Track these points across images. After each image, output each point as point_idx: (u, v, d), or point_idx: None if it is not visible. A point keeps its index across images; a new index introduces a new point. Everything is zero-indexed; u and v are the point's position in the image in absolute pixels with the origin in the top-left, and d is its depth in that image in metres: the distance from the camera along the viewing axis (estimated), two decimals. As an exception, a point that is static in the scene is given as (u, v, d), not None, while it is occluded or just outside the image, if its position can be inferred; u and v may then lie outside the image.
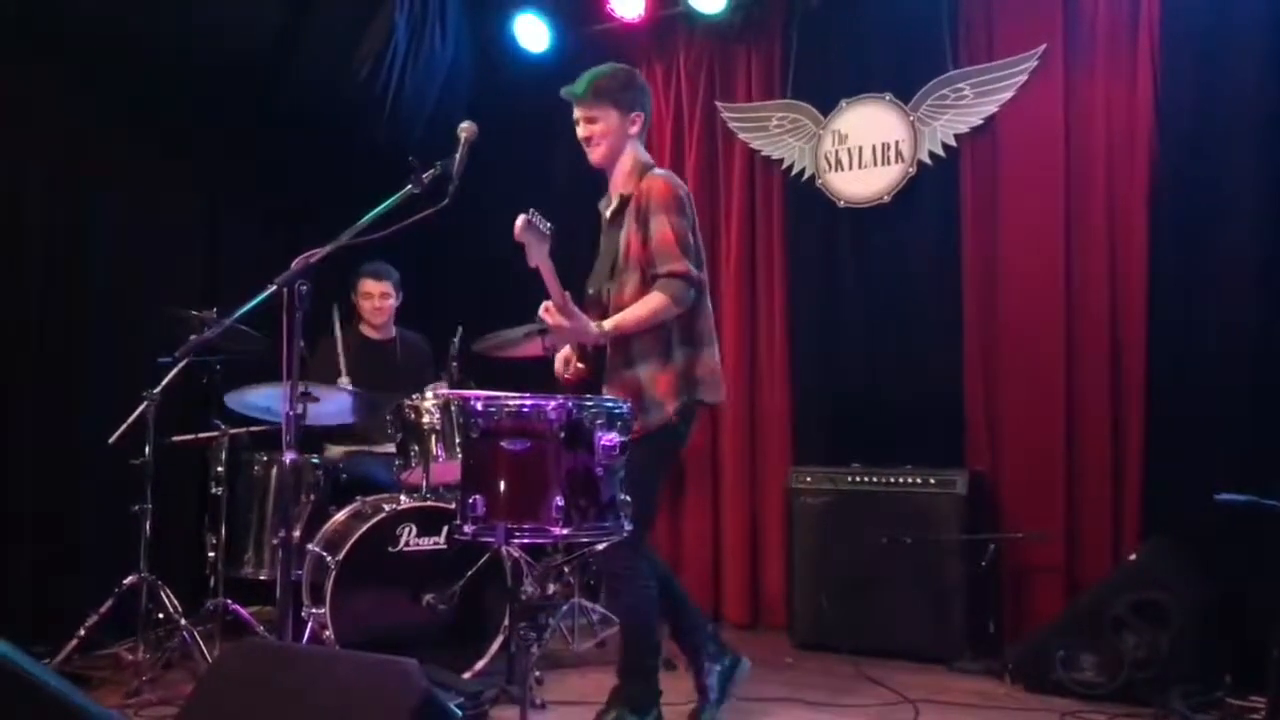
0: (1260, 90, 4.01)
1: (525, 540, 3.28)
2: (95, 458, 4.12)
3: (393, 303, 4.80)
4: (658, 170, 3.32)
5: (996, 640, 4.22)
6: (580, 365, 3.39)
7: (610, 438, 3.21)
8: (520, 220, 3.01)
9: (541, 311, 3.14)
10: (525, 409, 3.24)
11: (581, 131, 3.38)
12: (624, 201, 3.32)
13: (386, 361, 4.78)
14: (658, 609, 3.34)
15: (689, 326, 3.24)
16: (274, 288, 2.76)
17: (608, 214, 3.42)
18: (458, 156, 2.94)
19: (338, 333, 4.65)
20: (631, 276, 3.25)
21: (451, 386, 4.22)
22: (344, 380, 4.44)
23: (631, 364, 3.24)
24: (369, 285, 4.76)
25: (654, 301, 3.15)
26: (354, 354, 4.69)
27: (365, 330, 4.84)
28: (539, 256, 3.09)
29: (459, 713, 3.01)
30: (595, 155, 3.37)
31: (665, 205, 3.18)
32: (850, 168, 4.97)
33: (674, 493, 5.35)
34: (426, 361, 4.79)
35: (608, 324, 3.18)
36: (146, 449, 3.86)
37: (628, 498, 3.32)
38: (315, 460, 4.33)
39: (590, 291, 3.38)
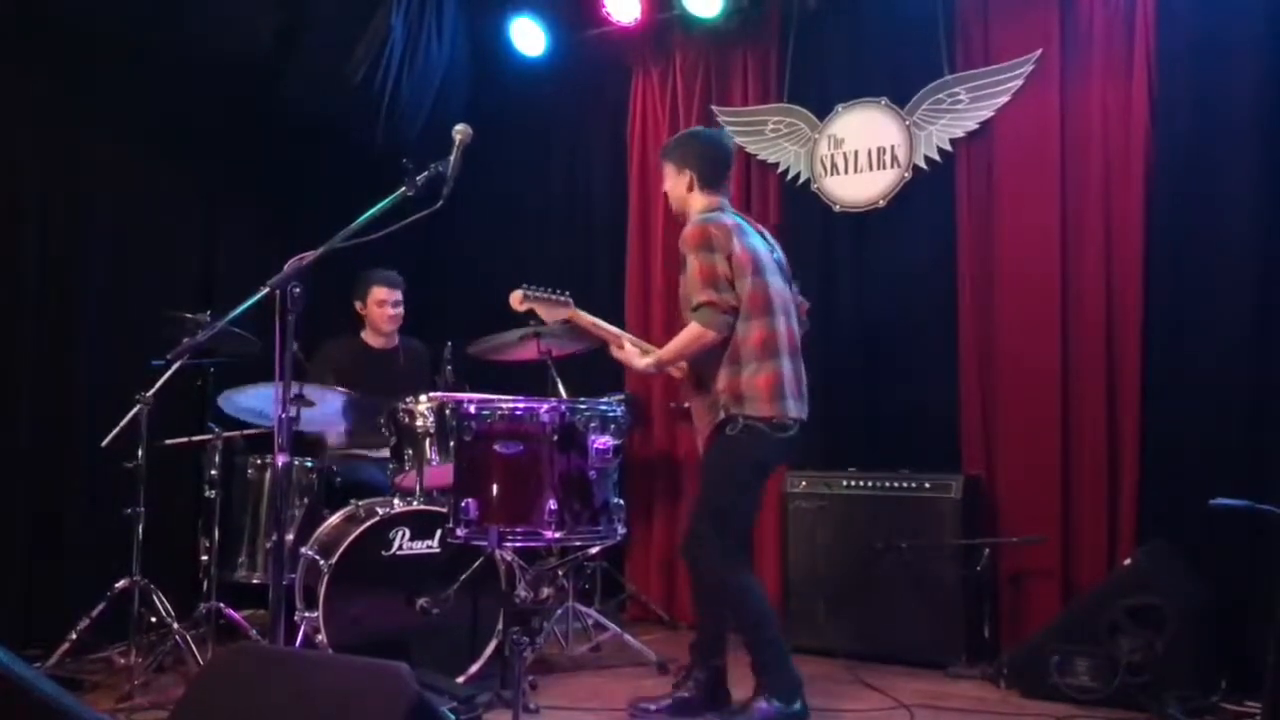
0: (1256, 94, 4.01)
1: (518, 544, 3.29)
2: (88, 461, 4.11)
3: (402, 309, 4.80)
4: (701, 216, 3.53)
5: (992, 645, 4.22)
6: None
7: (604, 441, 3.23)
8: (514, 295, 3.60)
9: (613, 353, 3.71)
10: (518, 412, 3.26)
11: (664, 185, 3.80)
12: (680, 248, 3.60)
13: (389, 368, 4.77)
14: (761, 599, 3.47)
15: (730, 348, 3.43)
16: (266, 290, 2.76)
17: None
18: (452, 159, 2.94)
19: (341, 346, 4.66)
20: (688, 314, 3.52)
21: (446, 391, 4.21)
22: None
23: (698, 385, 3.54)
24: (383, 293, 4.74)
25: (687, 332, 3.44)
26: (356, 362, 4.68)
27: (368, 338, 4.82)
28: (554, 316, 3.62)
29: (452, 717, 3.00)
30: (673, 209, 3.79)
31: (693, 246, 3.45)
32: (846, 172, 4.97)
33: (672, 496, 5.34)
34: (428, 368, 4.78)
35: (650, 358, 3.58)
36: (140, 452, 3.85)
37: (620, 501, 3.34)
38: (309, 463, 4.32)
39: None
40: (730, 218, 3.55)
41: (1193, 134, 4.13)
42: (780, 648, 3.42)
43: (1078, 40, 4.45)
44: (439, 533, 3.80)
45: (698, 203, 3.61)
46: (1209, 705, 3.48)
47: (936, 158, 4.76)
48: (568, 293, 3.74)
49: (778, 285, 3.54)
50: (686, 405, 3.76)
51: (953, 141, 4.72)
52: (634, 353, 3.63)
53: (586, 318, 3.74)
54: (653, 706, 3.55)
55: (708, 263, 3.41)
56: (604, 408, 3.35)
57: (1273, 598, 3.21)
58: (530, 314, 3.72)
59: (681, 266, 3.53)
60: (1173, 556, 3.77)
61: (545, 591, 3.53)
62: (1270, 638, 3.10)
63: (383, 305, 4.74)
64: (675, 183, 3.66)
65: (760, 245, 3.56)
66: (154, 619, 3.93)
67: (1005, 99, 4.59)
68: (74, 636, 3.79)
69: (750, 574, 3.51)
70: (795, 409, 3.47)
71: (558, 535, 3.17)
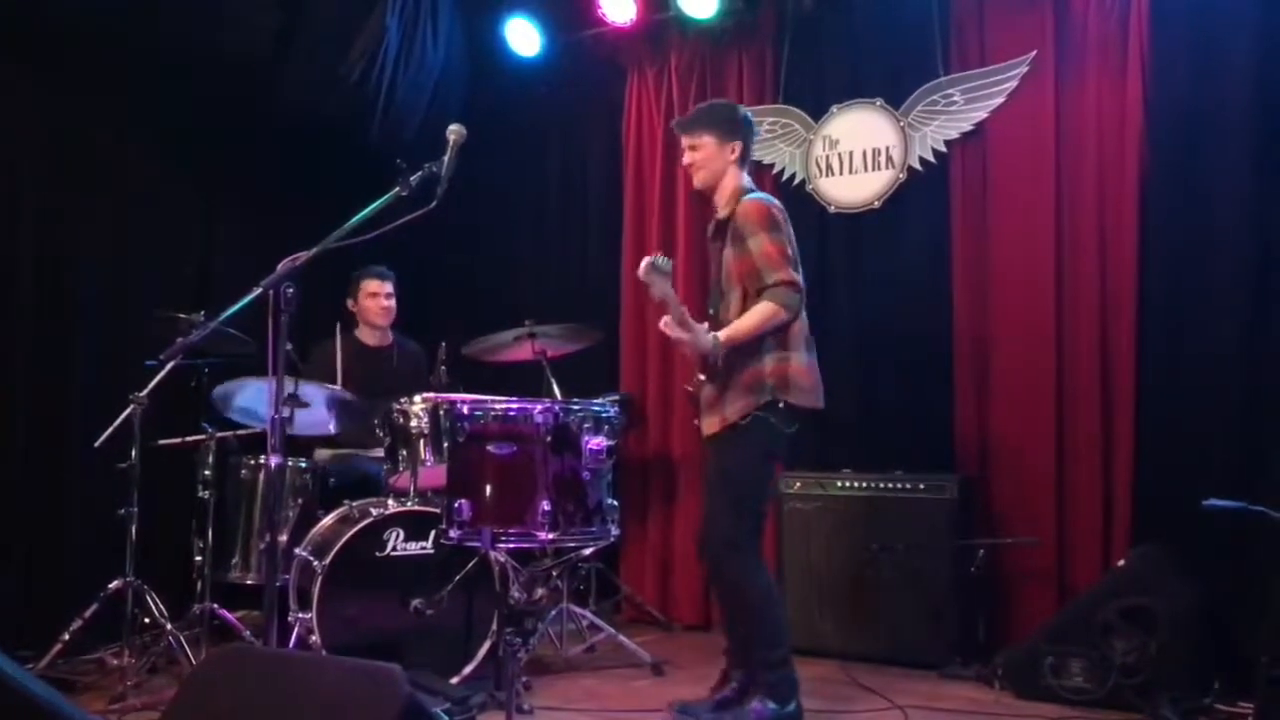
0: (1250, 95, 4.01)
1: (511, 545, 3.28)
2: (82, 461, 4.09)
3: (394, 303, 4.80)
4: (754, 194, 3.51)
5: (986, 646, 4.21)
6: (701, 378, 3.54)
7: (598, 441, 3.22)
8: (644, 263, 3.24)
9: (661, 325, 3.37)
10: (512, 412, 3.25)
11: (685, 159, 3.63)
12: (722, 224, 3.52)
13: (384, 367, 4.77)
14: (776, 595, 3.48)
15: (782, 332, 3.39)
16: (260, 290, 2.75)
17: (710, 233, 3.63)
18: (447, 159, 2.94)
19: (338, 344, 4.65)
20: (734, 294, 3.46)
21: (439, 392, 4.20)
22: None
23: (730, 367, 3.40)
24: (374, 285, 4.75)
25: (763, 311, 3.34)
26: (351, 360, 4.67)
27: (363, 336, 4.82)
28: (662, 289, 3.29)
29: (445, 718, 3.00)
30: (696, 180, 3.62)
31: (761, 224, 3.38)
32: (841, 173, 4.97)
33: (666, 497, 5.34)
34: (423, 368, 4.78)
35: (722, 334, 3.36)
36: (133, 452, 3.84)
37: (614, 502, 3.33)
38: (303, 464, 4.31)
39: (710, 311, 3.58)
40: None
41: (1187, 134, 4.14)
42: (787, 649, 3.41)
43: (1072, 42, 4.46)
44: (433, 534, 3.79)
45: (737, 178, 3.55)
46: (1202, 706, 3.48)
47: (931, 159, 4.77)
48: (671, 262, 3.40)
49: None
50: (700, 383, 3.54)
51: (947, 143, 4.73)
52: (700, 330, 3.37)
53: (672, 292, 3.39)
54: (697, 711, 3.47)
55: (779, 242, 3.37)
56: (598, 408, 3.34)
57: (1265, 599, 3.23)
58: (648, 286, 3.33)
59: (730, 244, 3.46)
60: (1166, 558, 3.77)
61: (539, 592, 3.53)
62: (1262, 638, 3.11)
63: (374, 297, 4.75)
64: (717, 153, 3.51)
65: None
66: (147, 620, 3.92)
67: (1000, 100, 4.60)
68: (67, 637, 3.78)
69: (767, 572, 3.49)
70: (822, 400, 3.50)
71: (551, 536, 3.16)
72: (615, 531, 3.34)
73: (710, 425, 3.47)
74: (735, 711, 3.38)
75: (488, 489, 3.20)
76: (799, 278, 3.38)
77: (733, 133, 3.52)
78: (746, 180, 3.59)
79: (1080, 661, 3.67)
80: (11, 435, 4.27)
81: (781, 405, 3.37)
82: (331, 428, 4.24)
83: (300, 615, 3.73)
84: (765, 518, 3.57)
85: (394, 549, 3.80)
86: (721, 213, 3.54)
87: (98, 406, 4.05)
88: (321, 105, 5.04)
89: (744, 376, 3.38)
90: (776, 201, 3.55)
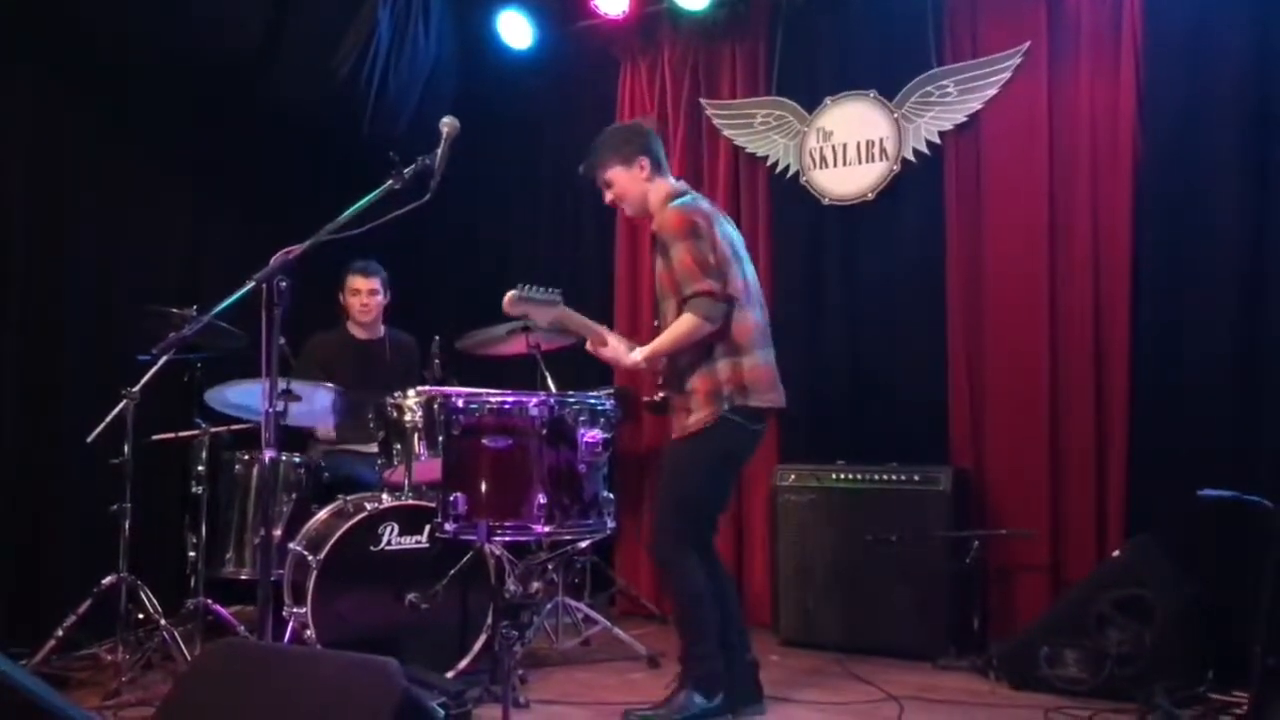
0: (1242, 87, 4.03)
1: (507, 538, 3.28)
2: (74, 456, 4.08)
3: (380, 300, 4.78)
4: (675, 202, 3.47)
5: (981, 637, 4.22)
6: (660, 381, 3.58)
7: (593, 434, 3.22)
8: (507, 297, 3.26)
9: (587, 348, 3.46)
10: (507, 406, 3.25)
11: (607, 200, 3.63)
12: (654, 236, 3.52)
13: (375, 361, 4.75)
14: (707, 595, 3.41)
15: (728, 336, 3.39)
16: (252, 284, 2.74)
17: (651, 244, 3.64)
18: (439, 152, 2.93)
19: (338, 339, 4.65)
20: (669, 304, 3.46)
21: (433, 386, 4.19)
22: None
23: (682, 376, 3.44)
24: (357, 282, 4.74)
25: (684, 323, 3.34)
26: (342, 354, 4.66)
27: (353, 330, 4.81)
28: (546, 317, 3.37)
29: (440, 712, 2.99)
30: (627, 212, 3.66)
31: (679, 233, 3.36)
32: (835, 165, 4.97)
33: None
34: (415, 362, 4.77)
35: (641, 352, 3.43)
36: (126, 448, 3.82)
37: (610, 495, 3.33)
38: (297, 459, 4.30)
39: (655, 323, 3.60)
40: (705, 203, 3.54)
41: (1180, 126, 4.15)
42: (713, 644, 3.37)
43: (1065, 33, 4.46)
44: (428, 528, 3.78)
45: (661, 189, 3.53)
46: (1196, 695, 3.49)
47: (925, 150, 4.77)
48: (559, 291, 3.46)
49: (751, 274, 3.54)
50: (661, 397, 3.61)
51: (941, 134, 4.73)
52: (622, 348, 3.47)
53: (575, 316, 3.48)
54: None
55: (698, 250, 3.34)
56: (593, 401, 3.34)
57: (1259, 589, 3.23)
58: (523, 316, 3.53)
59: (659, 255, 3.46)
60: (1160, 549, 3.78)
61: (534, 586, 3.53)
62: (1257, 628, 3.12)
63: (357, 294, 4.74)
64: (630, 179, 3.52)
65: (732, 232, 3.55)
66: (141, 615, 3.90)
67: (993, 91, 4.60)
68: (60, 633, 3.76)
69: (703, 574, 3.42)
70: (783, 399, 3.53)
71: (547, 529, 3.16)
72: (611, 524, 3.34)
73: (675, 432, 3.51)
74: (668, 704, 3.38)
75: (483, 482, 3.20)
76: (718, 285, 3.33)
77: (633, 152, 3.51)
78: (672, 185, 3.57)
79: (1075, 652, 3.68)
80: (4, 431, 4.25)
81: (741, 410, 3.39)
82: (331, 423, 4.23)
83: (295, 610, 3.73)
84: (716, 519, 3.58)
85: (389, 543, 3.79)
86: (653, 225, 3.53)
87: (90, 401, 4.03)
88: (313, 100, 5.02)
89: (701, 387, 3.40)
90: (702, 205, 3.50)
